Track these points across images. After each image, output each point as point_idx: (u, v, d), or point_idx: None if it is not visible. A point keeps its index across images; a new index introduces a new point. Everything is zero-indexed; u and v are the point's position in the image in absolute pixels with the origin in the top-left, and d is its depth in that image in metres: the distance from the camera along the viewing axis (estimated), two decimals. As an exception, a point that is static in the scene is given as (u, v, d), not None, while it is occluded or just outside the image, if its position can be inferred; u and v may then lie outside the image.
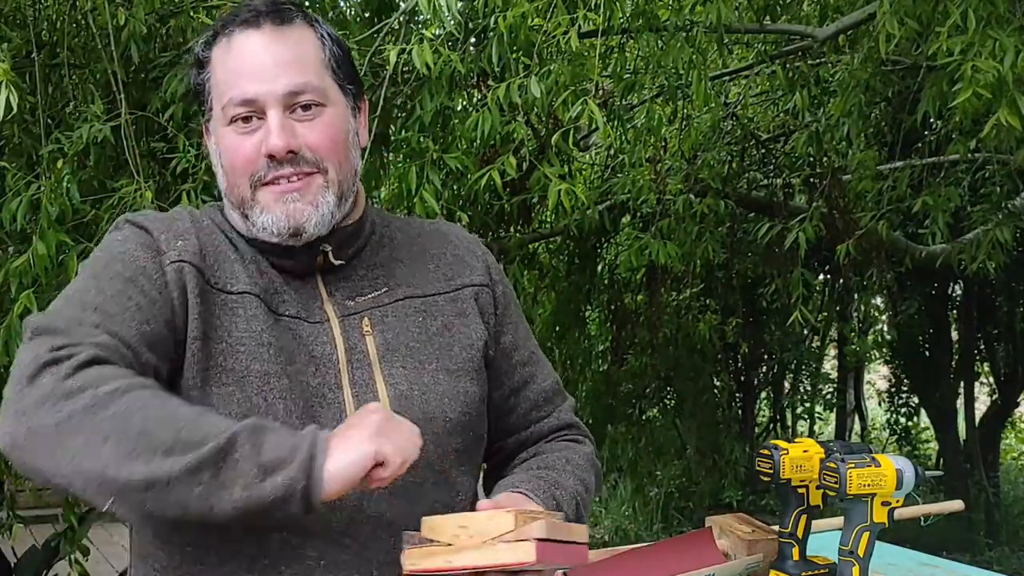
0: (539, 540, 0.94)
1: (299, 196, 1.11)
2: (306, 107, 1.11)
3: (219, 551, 1.05)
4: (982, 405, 8.70)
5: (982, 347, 8.37)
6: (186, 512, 0.90)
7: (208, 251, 1.12)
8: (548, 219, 5.00)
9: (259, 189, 1.11)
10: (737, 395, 8.59)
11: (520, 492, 1.12)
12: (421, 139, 2.88)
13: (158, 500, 0.89)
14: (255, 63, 1.11)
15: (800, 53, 4.20)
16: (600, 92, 3.80)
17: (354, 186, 1.17)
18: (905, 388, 9.03)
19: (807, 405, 9.48)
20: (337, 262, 1.16)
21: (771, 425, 9.25)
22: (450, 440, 1.15)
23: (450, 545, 0.97)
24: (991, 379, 8.65)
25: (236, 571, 1.05)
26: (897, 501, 1.51)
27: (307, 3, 3.43)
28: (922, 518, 2.08)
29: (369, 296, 1.17)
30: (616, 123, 3.98)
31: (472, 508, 1.15)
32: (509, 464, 1.27)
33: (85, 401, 0.90)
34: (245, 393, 1.05)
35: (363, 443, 0.92)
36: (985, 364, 8.64)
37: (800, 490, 1.60)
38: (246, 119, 1.11)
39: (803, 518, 1.61)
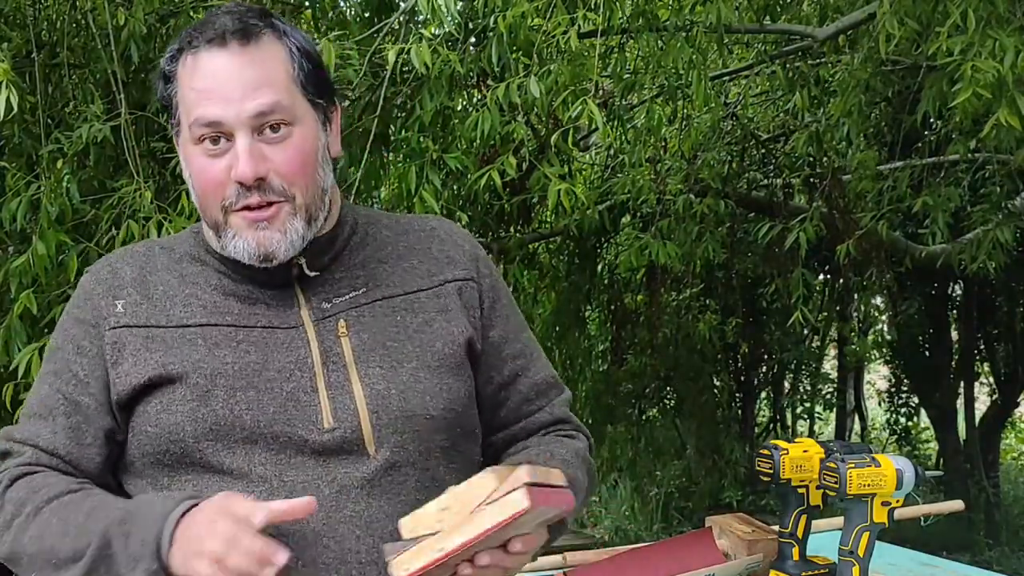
0: (528, 485, 0.91)
1: (267, 224, 1.11)
2: (274, 127, 1.10)
3: None
4: (982, 405, 8.70)
5: (982, 347, 8.37)
6: None
7: (156, 295, 1.15)
8: (548, 219, 5.00)
9: (230, 214, 1.11)
10: (737, 395, 8.59)
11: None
12: (421, 139, 2.88)
13: None
14: (221, 85, 1.08)
15: (800, 53, 4.21)
16: (600, 92, 3.81)
17: (324, 203, 1.16)
18: (905, 388, 9.03)
19: (807, 405, 9.48)
20: (311, 273, 1.16)
21: (771, 425, 9.25)
22: (434, 437, 1.13)
23: (436, 532, 0.94)
24: (991, 379, 8.65)
25: None
26: (897, 501, 1.50)
27: (307, 3, 3.43)
28: (922, 518, 2.08)
29: (346, 297, 1.17)
30: (616, 123, 3.99)
31: None
32: (497, 462, 1.25)
33: (14, 533, 1.08)
34: (210, 407, 1.08)
35: (200, 561, 0.96)
36: (985, 364, 8.64)
37: (800, 490, 1.60)
38: (214, 140, 1.09)
39: (803, 518, 1.61)
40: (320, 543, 1.05)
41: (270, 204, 1.10)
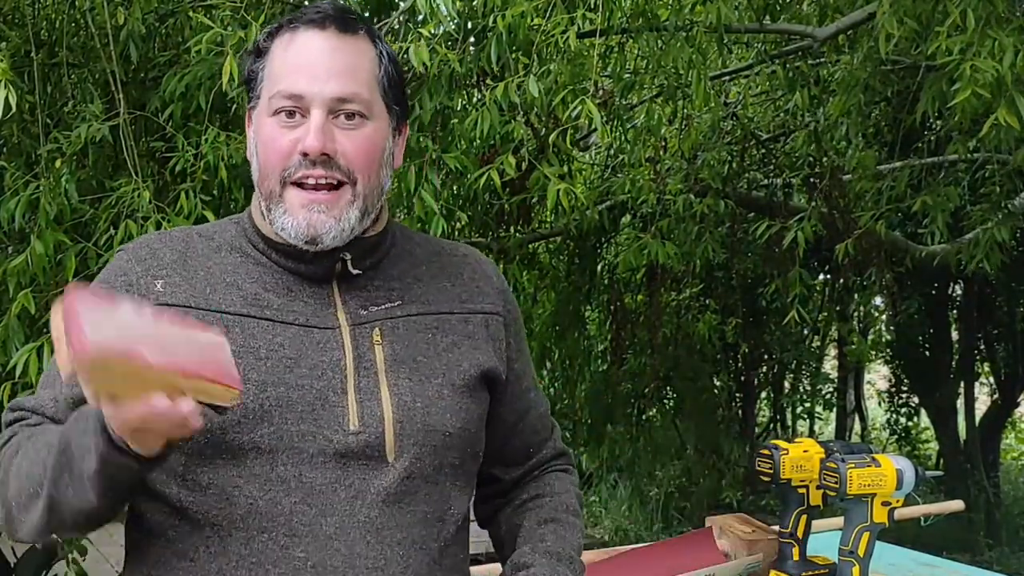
0: None
1: (325, 208, 1.12)
2: (350, 116, 1.12)
3: (208, 548, 1.07)
4: (982, 405, 8.70)
5: (982, 347, 8.37)
6: (80, 506, 1.00)
7: (198, 278, 1.14)
8: (548, 219, 5.00)
9: (288, 187, 1.12)
10: (737, 395, 8.60)
11: None
12: (420, 138, 2.88)
13: (54, 514, 1.02)
14: (311, 61, 1.12)
15: (800, 53, 4.20)
16: (600, 92, 3.80)
17: (379, 202, 1.19)
18: (905, 388, 9.04)
19: (807, 405, 9.49)
20: (355, 271, 1.17)
21: (771, 425, 9.26)
22: (447, 453, 1.16)
23: None
24: (991, 379, 8.65)
25: (224, 569, 1.06)
26: (897, 501, 1.50)
27: (307, 3, 3.43)
28: (922, 518, 2.08)
29: (382, 307, 1.18)
30: (616, 123, 3.98)
31: (463, 526, 1.19)
32: (509, 496, 1.32)
33: (5, 487, 1.08)
34: (240, 399, 1.06)
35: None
36: (985, 364, 8.64)
37: (800, 490, 1.60)
38: (290, 113, 1.12)
39: (803, 518, 1.61)
40: (331, 546, 1.06)
41: (331, 187, 1.12)
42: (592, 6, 2.87)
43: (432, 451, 1.13)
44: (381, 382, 1.13)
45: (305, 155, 1.10)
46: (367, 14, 3.25)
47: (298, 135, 1.11)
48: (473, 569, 1.33)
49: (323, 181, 1.11)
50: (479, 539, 1.31)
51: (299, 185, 1.12)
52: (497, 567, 1.91)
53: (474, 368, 1.20)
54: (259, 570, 1.06)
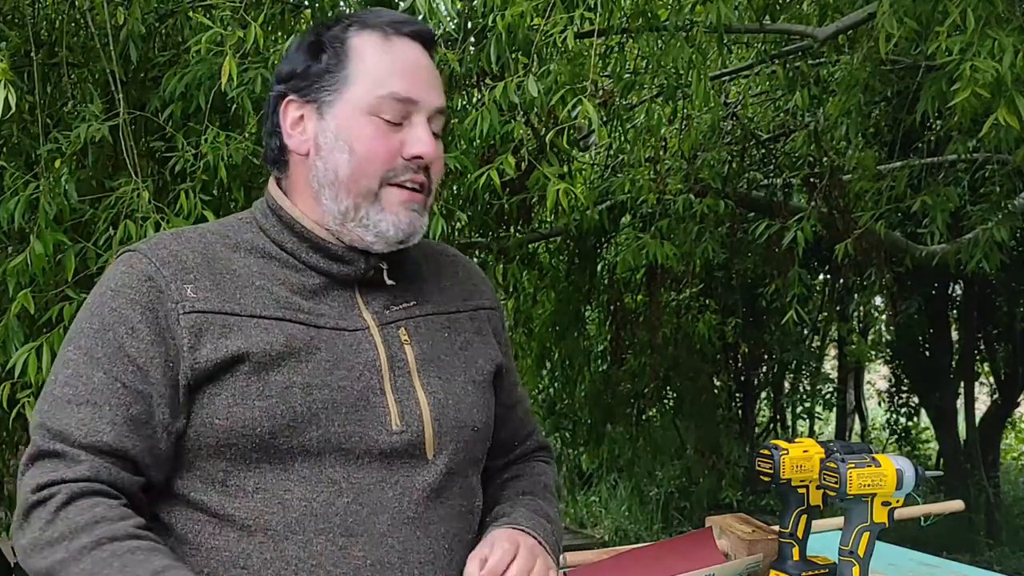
0: None
1: (418, 208, 1.16)
2: (436, 132, 1.18)
3: (262, 554, 1.05)
4: (982, 405, 8.70)
5: (982, 347, 8.37)
6: None
7: (225, 282, 1.11)
8: (548, 219, 5.00)
9: (386, 187, 1.14)
10: (737, 395, 8.60)
11: (519, 529, 1.19)
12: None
13: None
14: (418, 71, 1.16)
15: (800, 53, 4.20)
16: (600, 92, 3.80)
17: None
18: (905, 388, 9.04)
19: (807, 405, 9.48)
20: (389, 282, 1.19)
21: (771, 425, 9.25)
22: (474, 448, 1.20)
23: None
24: (991, 379, 8.65)
25: (283, 573, 1.05)
26: (897, 501, 1.50)
27: (307, 3, 3.43)
28: (922, 518, 2.08)
29: (402, 307, 1.19)
30: (616, 123, 3.98)
31: (483, 513, 1.23)
32: (494, 479, 1.34)
33: (60, 555, 0.99)
34: (288, 404, 1.06)
35: None
36: (985, 364, 8.64)
37: (800, 490, 1.59)
38: (394, 116, 1.14)
39: (803, 518, 1.61)
40: (386, 543, 1.08)
41: (419, 191, 1.16)
42: (591, 6, 2.87)
43: (464, 447, 1.17)
44: (415, 381, 1.15)
45: (418, 159, 1.14)
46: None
47: (402, 137, 1.14)
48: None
49: (419, 187, 1.16)
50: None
51: (395, 186, 1.14)
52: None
53: (488, 364, 1.24)
54: (320, 571, 1.05)
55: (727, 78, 4.90)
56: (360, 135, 1.13)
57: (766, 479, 1.59)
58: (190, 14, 2.81)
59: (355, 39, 1.16)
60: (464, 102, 3.42)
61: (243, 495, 1.05)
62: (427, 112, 1.15)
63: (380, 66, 1.15)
